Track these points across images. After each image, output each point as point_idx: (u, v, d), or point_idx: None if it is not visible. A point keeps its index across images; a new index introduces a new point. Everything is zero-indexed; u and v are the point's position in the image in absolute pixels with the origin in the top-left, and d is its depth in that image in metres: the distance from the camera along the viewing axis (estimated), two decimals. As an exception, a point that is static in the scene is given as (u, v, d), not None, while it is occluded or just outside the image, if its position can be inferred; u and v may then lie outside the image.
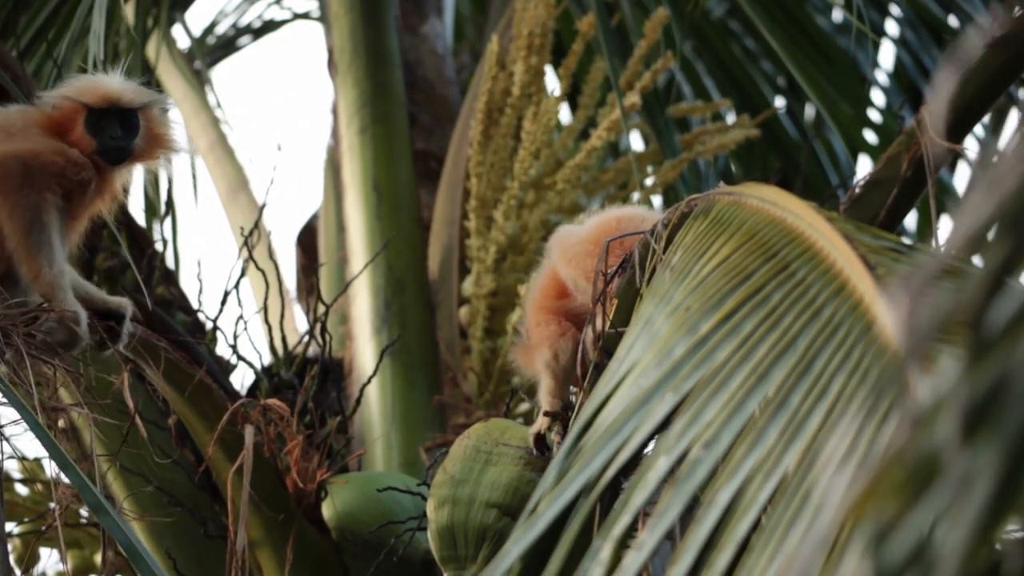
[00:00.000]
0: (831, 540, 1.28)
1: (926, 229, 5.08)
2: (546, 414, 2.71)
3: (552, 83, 4.62)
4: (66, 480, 2.53)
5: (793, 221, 1.97)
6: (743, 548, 1.41)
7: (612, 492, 1.61)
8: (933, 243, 2.90)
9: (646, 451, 1.66)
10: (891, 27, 5.35)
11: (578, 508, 1.58)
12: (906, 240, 2.77)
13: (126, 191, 2.97)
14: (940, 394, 1.05)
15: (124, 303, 2.93)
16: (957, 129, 3.12)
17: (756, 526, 1.43)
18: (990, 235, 1.07)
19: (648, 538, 1.42)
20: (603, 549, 1.47)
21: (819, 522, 1.35)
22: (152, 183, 4.73)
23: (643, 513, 1.54)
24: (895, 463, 1.05)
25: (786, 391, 1.60)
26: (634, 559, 1.40)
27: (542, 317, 2.76)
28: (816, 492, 1.38)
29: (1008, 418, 1.02)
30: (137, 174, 3.43)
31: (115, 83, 2.84)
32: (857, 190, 3.20)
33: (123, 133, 2.81)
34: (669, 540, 1.50)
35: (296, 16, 6.17)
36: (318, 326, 3.89)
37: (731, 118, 5.11)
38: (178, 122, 2.99)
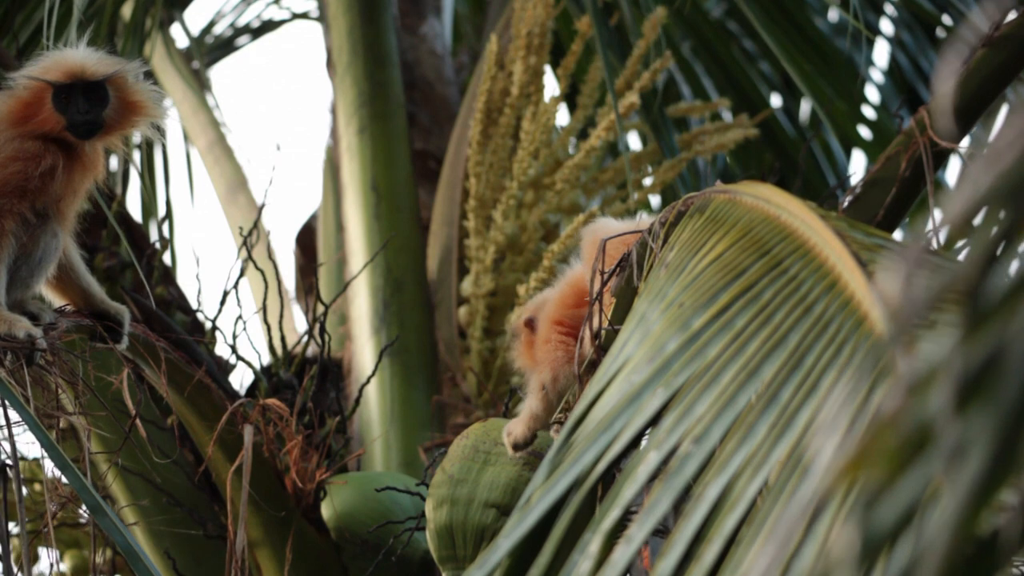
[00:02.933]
0: (816, 506, 1.28)
1: (920, 227, 5.08)
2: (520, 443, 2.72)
3: (551, 83, 4.63)
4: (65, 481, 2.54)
5: (787, 218, 1.98)
6: (731, 542, 1.42)
7: (604, 486, 1.61)
8: (927, 237, 2.90)
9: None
10: (886, 26, 5.37)
11: (569, 502, 1.58)
12: (901, 237, 2.76)
13: (130, 158, 2.94)
14: (934, 363, 1.05)
15: (123, 310, 2.92)
16: (956, 129, 3.13)
17: (744, 520, 1.43)
18: (986, 209, 1.08)
19: (637, 532, 1.42)
20: (592, 543, 1.47)
21: (804, 491, 1.35)
22: (149, 182, 4.73)
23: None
24: (887, 430, 1.05)
25: (777, 386, 1.60)
26: (623, 553, 1.40)
27: (554, 335, 2.73)
28: (805, 485, 1.39)
29: (1003, 388, 1.02)
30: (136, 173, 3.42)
31: (78, 56, 2.79)
32: (857, 190, 3.21)
33: (89, 107, 2.77)
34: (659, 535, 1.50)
35: (295, 16, 6.18)
36: (317, 326, 3.89)
37: (728, 118, 5.12)
38: (156, 89, 2.94)
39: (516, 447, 2.72)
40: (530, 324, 2.79)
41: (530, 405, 2.69)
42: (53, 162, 2.74)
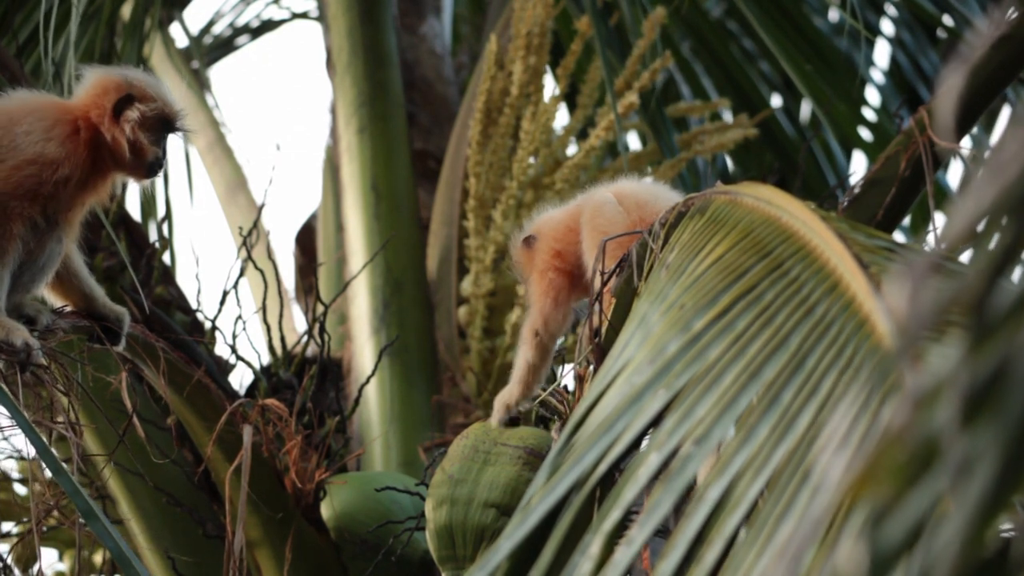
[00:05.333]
0: (826, 523, 1.28)
1: (921, 227, 5.09)
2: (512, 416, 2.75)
3: (551, 84, 4.62)
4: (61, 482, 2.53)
5: (787, 220, 1.97)
6: (732, 543, 1.41)
7: (605, 488, 1.61)
8: (930, 241, 2.91)
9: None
10: (886, 26, 5.37)
11: (570, 503, 1.58)
12: (901, 239, 2.76)
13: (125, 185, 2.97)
14: (940, 377, 1.04)
15: (123, 313, 2.93)
16: (956, 128, 3.13)
17: (745, 521, 1.43)
18: (990, 222, 1.07)
19: (638, 533, 1.42)
20: (593, 544, 1.47)
21: (811, 511, 1.35)
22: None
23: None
24: (894, 445, 1.05)
25: (778, 388, 1.60)
26: (624, 554, 1.40)
27: (551, 269, 2.78)
28: (806, 488, 1.38)
29: (1009, 402, 1.02)
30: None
31: (180, 105, 2.89)
32: (856, 190, 3.21)
33: (164, 154, 2.87)
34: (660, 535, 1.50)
35: (294, 16, 6.18)
36: (317, 326, 3.89)
37: (728, 118, 5.12)
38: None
39: (508, 411, 2.76)
40: (528, 241, 2.84)
41: (524, 356, 2.74)
42: (70, 172, 2.75)
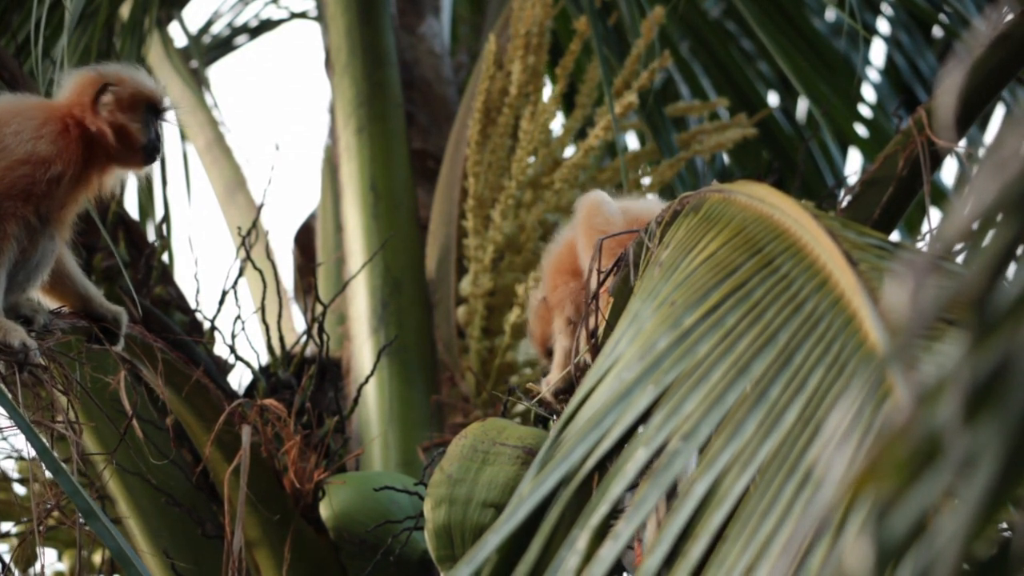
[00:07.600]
0: (814, 518, 1.28)
1: (917, 226, 5.09)
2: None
3: (549, 83, 4.62)
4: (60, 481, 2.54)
5: (779, 217, 1.98)
6: (717, 538, 1.42)
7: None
8: (926, 240, 2.91)
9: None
10: (883, 26, 5.37)
11: (558, 498, 1.59)
12: (898, 236, 2.76)
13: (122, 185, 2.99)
14: (943, 374, 1.05)
15: (120, 313, 2.93)
16: (955, 127, 3.14)
17: (731, 517, 1.43)
18: (990, 219, 1.07)
19: (624, 528, 1.42)
20: (580, 539, 1.47)
21: (797, 506, 1.35)
22: (146, 181, 4.73)
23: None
24: (897, 441, 1.05)
25: (765, 384, 1.60)
26: (610, 549, 1.40)
27: (559, 280, 2.89)
28: (791, 483, 1.39)
29: (1011, 399, 1.02)
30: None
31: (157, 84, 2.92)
32: (856, 190, 3.22)
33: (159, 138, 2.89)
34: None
35: (293, 15, 6.18)
36: (316, 326, 3.89)
37: (726, 117, 5.12)
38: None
39: (543, 403, 2.83)
40: (546, 301, 2.95)
41: (561, 345, 2.84)
42: (63, 169, 2.76)
